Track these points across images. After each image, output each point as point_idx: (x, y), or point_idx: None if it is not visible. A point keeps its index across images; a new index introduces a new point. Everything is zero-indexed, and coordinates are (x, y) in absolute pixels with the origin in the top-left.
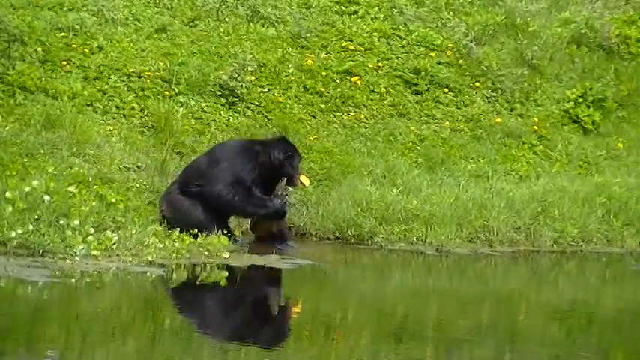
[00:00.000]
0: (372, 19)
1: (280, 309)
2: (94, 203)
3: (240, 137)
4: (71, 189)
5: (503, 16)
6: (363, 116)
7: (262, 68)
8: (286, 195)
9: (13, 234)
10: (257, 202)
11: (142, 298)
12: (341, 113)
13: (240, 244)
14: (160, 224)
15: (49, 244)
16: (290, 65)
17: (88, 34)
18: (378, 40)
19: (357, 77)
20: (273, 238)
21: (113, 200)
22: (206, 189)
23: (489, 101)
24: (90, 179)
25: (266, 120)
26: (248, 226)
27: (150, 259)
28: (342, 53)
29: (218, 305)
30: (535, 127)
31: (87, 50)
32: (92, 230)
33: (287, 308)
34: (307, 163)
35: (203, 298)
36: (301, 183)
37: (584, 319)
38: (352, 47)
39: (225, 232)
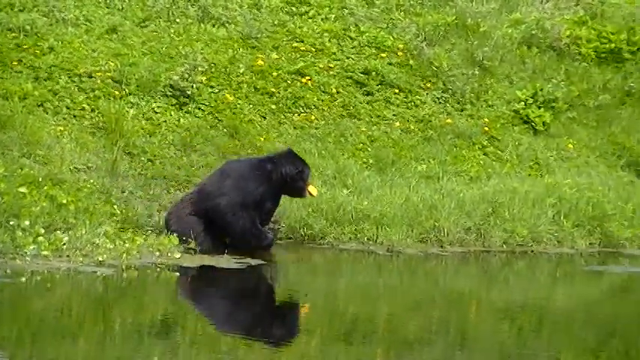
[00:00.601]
0: (322, 19)
1: (230, 309)
2: (44, 204)
3: (248, 156)
4: (22, 189)
5: (454, 17)
6: (313, 117)
7: (213, 69)
8: (278, 228)
9: None
10: (256, 232)
11: (92, 298)
12: (291, 114)
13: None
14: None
15: None
16: (241, 66)
17: (39, 35)
18: (329, 41)
19: (307, 78)
20: None
21: (64, 201)
22: (213, 202)
23: (440, 102)
24: (40, 180)
25: (217, 121)
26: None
27: (100, 259)
28: (293, 54)
29: (164, 305)
30: (485, 128)
31: (38, 51)
32: (42, 231)
33: (235, 308)
34: None
35: (150, 297)
36: (310, 193)
37: (534, 319)
38: (303, 48)
39: None
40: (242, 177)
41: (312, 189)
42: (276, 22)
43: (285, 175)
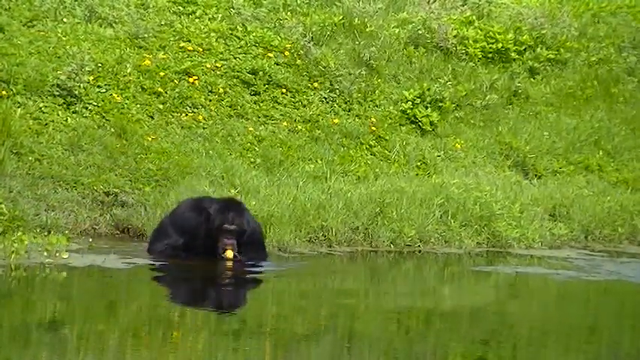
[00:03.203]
0: (209, 19)
1: (111, 310)
2: None
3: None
4: None
5: (340, 17)
6: (201, 117)
7: (100, 68)
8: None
9: None
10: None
11: None
12: (179, 114)
13: None
14: None
15: None
16: (128, 65)
17: None
18: (216, 41)
19: (194, 77)
20: None
21: None
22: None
23: (327, 102)
24: None
25: (104, 120)
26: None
27: None
28: (180, 53)
29: (52, 305)
30: (373, 128)
31: None
32: None
33: (121, 308)
34: (145, 164)
35: (38, 296)
36: (225, 257)
37: (422, 319)
38: (190, 47)
39: None
40: (178, 218)
41: (228, 253)
42: (163, 22)
43: (211, 220)
